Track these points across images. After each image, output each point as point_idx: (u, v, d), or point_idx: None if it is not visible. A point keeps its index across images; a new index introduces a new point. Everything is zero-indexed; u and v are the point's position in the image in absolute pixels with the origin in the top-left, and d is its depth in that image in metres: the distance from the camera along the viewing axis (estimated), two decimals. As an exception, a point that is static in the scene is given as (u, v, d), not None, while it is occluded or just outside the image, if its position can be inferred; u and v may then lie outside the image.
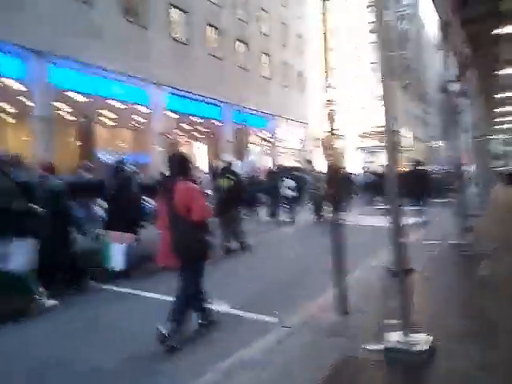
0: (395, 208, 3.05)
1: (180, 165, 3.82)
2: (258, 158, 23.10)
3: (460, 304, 4.27)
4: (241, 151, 23.71)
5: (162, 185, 4.18)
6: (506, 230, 8.71)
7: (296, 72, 30.88)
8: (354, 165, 39.44)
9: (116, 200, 6.29)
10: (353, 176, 21.18)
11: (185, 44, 19.53)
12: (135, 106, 17.26)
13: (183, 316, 3.69)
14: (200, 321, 3.98)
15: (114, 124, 16.96)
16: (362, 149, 52.81)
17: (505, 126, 29.05)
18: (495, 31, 9.73)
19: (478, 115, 14.02)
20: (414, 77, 73.97)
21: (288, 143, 29.79)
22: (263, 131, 27.10)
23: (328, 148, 4.01)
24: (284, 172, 14.95)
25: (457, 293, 4.69)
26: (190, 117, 20.31)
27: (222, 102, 21.50)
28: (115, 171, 6.58)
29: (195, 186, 3.79)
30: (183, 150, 19.54)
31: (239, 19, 23.81)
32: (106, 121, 16.71)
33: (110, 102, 16.05)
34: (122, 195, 6.28)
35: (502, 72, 13.94)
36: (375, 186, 19.78)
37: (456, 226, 6.85)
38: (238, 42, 23.68)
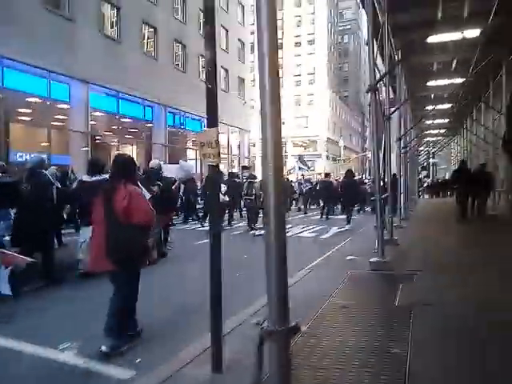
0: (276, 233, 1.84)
1: (124, 167, 3.77)
2: (193, 163, 22.18)
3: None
4: (176, 155, 22.85)
5: (102, 186, 3.96)
6: (428, 243, 8.54)
7: (237, 77, 30.41)
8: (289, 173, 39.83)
9: (26, 207, 5.74)
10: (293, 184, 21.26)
11: (116, 41, 18.25)
12: (55, 103, 15.76)
13: (124, 324, 3.60)
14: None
15: (31, 122, 15.45)
16: (294, 156, 53.49)
17: (433, 138, 30.69)
18: (428, 39, 9.80)
19: (406, 125, 14.28)
20: (352, 90, 77.13)
21: (228, 149, 29.37)
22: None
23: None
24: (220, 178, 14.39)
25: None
26: (118, 117, 19.09)
27: (154, 102, 20.54)
28: (29, 174, 5.99)
29: (138, 189, 3.77)
30: (111, 151, 18.29)
31: (176, 19, 22.91)
32: (24, 118, 15.23)
33: (27, 98, 14.64)
34: (35, 202, 5.72)
35: (431, 83, 14.36)
36: (311, 194, 20.08)
37: (379, 239, 6.19)
38: (175, 43, 22.73)
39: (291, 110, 56.52)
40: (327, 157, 56.91)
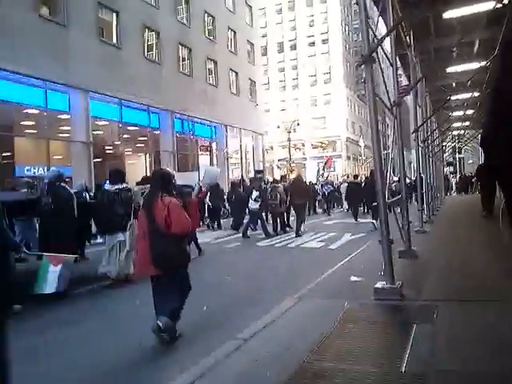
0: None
1: (163, 180, 4.11)
2: (215, 168, 21.06)
3: None
4: (186, 162, 22.07)
5: (144, 199, 4.43)
6: (455, 253, 6.87)
7: (247, 80, 29.43)
8: (310, 174, 38.55)
9: (49, 218, 6.12)
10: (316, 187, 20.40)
11: (117, 47, 17.61)
12: (55, 114, 15.24)
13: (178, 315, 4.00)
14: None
15: (33, 134, 15.05)
16: (313, 158, 52.01)
17: (458, 131, 28.90)
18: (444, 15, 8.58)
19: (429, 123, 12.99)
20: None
21: (241, 153, 28.53)
22: (211, 141, 25.75)
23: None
24: (254, 183, 14.33)
25: None
26: (122, 125, 18.43)
27: (160, 109, 19.86)
28: (49, 187, 6.30)
29: (176, 201, 4.00)
30: (124, 160, 17.69)
31: (180, 22, 22.15)
32: (26, 130, 14.88)
33: (26, 109, 14.29)
34: (56, 215, 6.02)
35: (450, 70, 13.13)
36: (334, 196, 19.43)
37: (386, 258, 4.65)
38: (180, 47, 21.97)
39: (308, 110, 55.13)
40: (348, 157, 55.21)
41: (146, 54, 19.53)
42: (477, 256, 6.55)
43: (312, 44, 58.87)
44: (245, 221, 12.36)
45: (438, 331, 3.41)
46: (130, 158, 19.10)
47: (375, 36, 5.16)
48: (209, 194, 11.93)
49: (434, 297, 4.39)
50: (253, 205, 11.89)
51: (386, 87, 6.33)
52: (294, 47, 59.50)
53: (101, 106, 16.86)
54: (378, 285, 4.47)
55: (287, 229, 12.62)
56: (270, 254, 9.08)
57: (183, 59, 22.44)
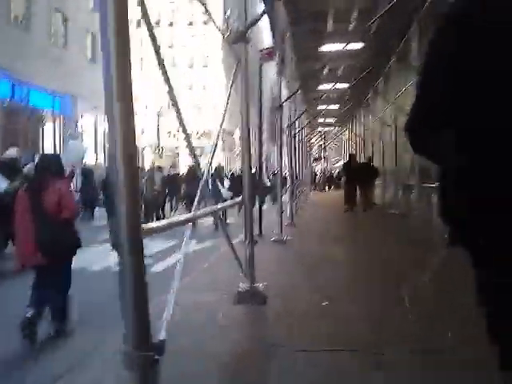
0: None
1: (55, 164, 4.19)
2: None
3: None
4: (26, 139, 18.52)
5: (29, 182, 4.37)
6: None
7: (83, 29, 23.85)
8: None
9: None
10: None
11: None
12: None
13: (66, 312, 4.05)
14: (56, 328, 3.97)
15: None
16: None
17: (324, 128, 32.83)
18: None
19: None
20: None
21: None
22: (58, 115, 21.33)
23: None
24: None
25: None
26: None
27: None
28: None
29: (68, 185, 4.32)
30: None
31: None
32: None
33: None
34: None
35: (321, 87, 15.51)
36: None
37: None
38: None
39: (186, 97, 54.96)
40: (223, 149, 56.93)
41: None
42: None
43: (190, 24, 58.74)
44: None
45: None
46: None
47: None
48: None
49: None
50: None
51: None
52: (171, 24, 58.51)
53: None
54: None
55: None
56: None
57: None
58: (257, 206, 8.54)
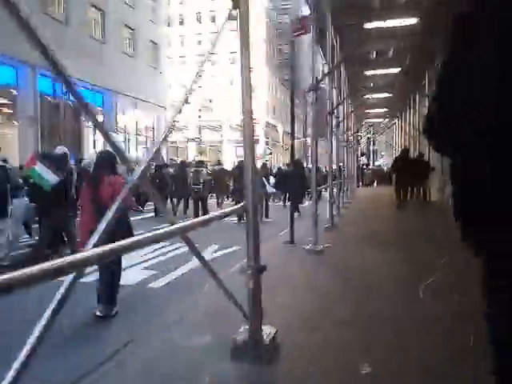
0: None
1: (110, 161, 4.70)
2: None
3: None
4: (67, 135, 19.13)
5: (88, 177, 4.98)
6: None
7: (149, 41, 26.85)
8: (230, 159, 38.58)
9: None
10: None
11: None
12: None
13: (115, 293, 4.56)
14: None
15: None
16: (231, 141, 51.81)
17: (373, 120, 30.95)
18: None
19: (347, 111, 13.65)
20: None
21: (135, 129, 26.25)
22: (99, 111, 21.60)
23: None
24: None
25: None
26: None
27: (19, 61, 16.16)
28: None
29: (122, 180, 4.62)
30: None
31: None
32: None
33: None
34: None
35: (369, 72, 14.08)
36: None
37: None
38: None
39: (225, 89, 54.58)
40: (266, 142, 56.22)
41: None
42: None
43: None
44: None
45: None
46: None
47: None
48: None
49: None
50: None
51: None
52: (213, 19, 58.35)
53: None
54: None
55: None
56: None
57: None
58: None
